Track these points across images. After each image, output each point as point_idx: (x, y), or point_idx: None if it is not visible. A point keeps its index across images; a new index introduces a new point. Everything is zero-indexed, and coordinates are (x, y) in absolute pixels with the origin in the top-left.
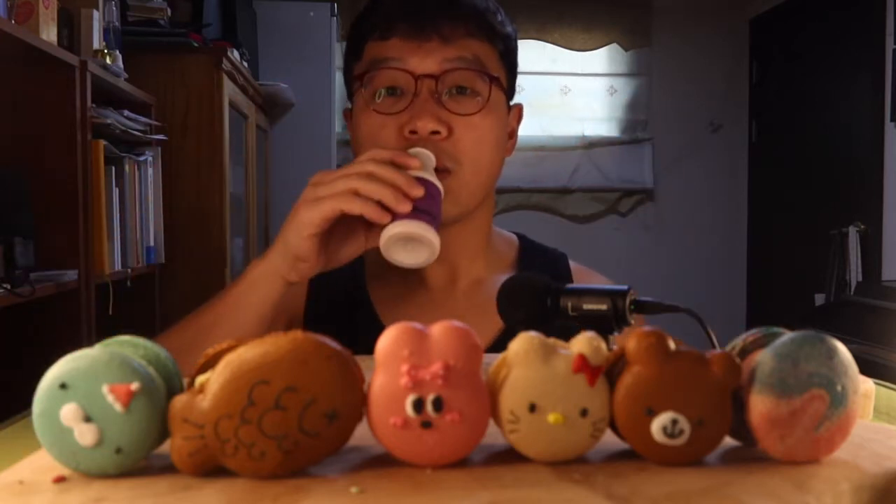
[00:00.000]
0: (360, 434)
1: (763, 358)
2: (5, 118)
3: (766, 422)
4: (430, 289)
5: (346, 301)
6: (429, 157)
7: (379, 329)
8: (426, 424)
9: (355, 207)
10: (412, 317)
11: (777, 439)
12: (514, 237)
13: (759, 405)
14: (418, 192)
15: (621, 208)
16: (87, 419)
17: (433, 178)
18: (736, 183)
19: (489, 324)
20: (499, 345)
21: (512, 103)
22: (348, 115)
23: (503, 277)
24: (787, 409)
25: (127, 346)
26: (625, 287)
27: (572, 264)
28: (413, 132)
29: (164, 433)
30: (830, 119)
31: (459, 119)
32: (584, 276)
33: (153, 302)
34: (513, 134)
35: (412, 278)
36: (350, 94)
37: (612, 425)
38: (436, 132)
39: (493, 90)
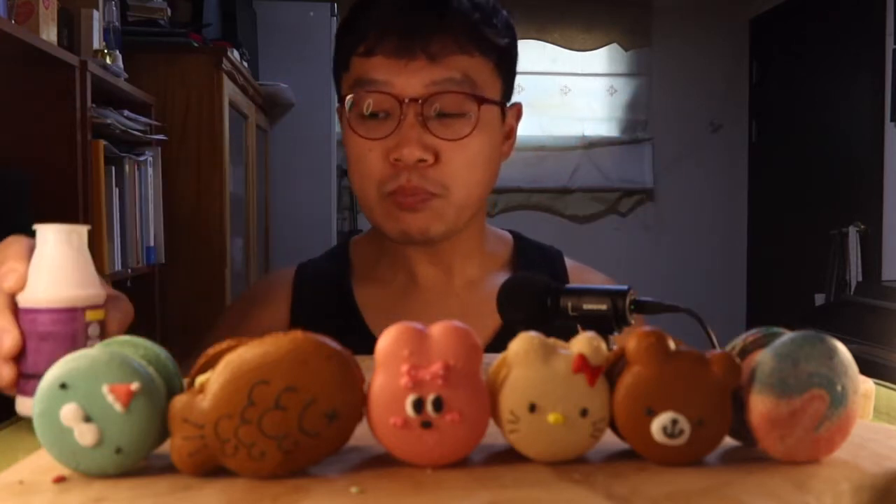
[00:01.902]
0: (360, 434)
1: (763, 358)
2: (5, 118)
3: (766, 422)
4: (423, 290)
5: (332, 307)
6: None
7: (366, 335)
8: (426, 424)
9: None
10: (400, 319)
11: (777, 439)
12: (509, 235)
13: (759, 405)
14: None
15: (621, 208)
16: (87, 419)
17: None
18: (736, 183)
19: (484, 324)
20: (494, 346)
21: (510, 102)
22: (342, 113)
23: (498, 277)
24: (787, 409)
25: (127, 346)
26: (625, 287)
27: (568, 262)
28: (398, 160)
29: (164, 433)
30: (830, 119)
31: (447, 144)
32: (580, 274)
33: (153, 302)
34: (511, 133)
35: (404, 281)
36: (340, 98)
37: (612, 425)
38: (422, 160)
39: (483, 109)
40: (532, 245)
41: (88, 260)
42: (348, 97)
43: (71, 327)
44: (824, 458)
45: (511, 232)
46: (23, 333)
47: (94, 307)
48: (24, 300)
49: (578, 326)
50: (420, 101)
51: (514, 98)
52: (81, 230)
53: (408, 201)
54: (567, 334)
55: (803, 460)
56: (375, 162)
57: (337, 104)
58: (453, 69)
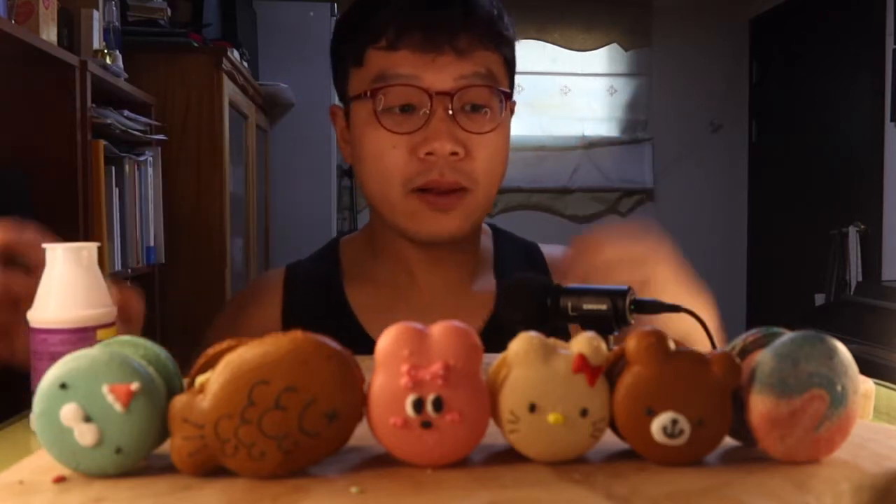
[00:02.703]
0: (360, 434)
1: (763, 358)
2: (5, 118)
3: (766, 422)
4: (421, 291)
5: (325, 310)
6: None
7: (362, 337)
8: (426, 424)
9: None
10: (398, 320)
11: (777, 439)
12: (488, 227)
13: (760, 405)
14: None
15: (621, 208)
16: (87, 419)
17: None
18: (736, 183)
19: (471, 321)
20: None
21: None
22: (338, 114)
23: (484, 273)
24: (787, 409)
25: (127, 346)
26: (625, 287)
27: (544, 249)
28: (429, 153)
29: (164, 433)
30: (830, 119)
31: (475, 137)
32: (559, 258)
33: (153, 302)
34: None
35: (401, 281)
36: (342, 95)
37: (612, 425)
38: (454, 153)
39: (505, 105)
40: (508, 236)
41: (99, 277)
42: (369, 91)
43: (83, 347)
44: (824, 458)
45: (488, 224)
46: (34, 353)
47: (105, 326)
48: (35, 320)
49: (571, 327)
50: (450, 95)
51: (514, 97)
52: (91, 248)
53: (441, 201)
54: (560, 335)
55: (803, 460)
56: (400, 157)
57: (335, 103)
58: (479, 64)
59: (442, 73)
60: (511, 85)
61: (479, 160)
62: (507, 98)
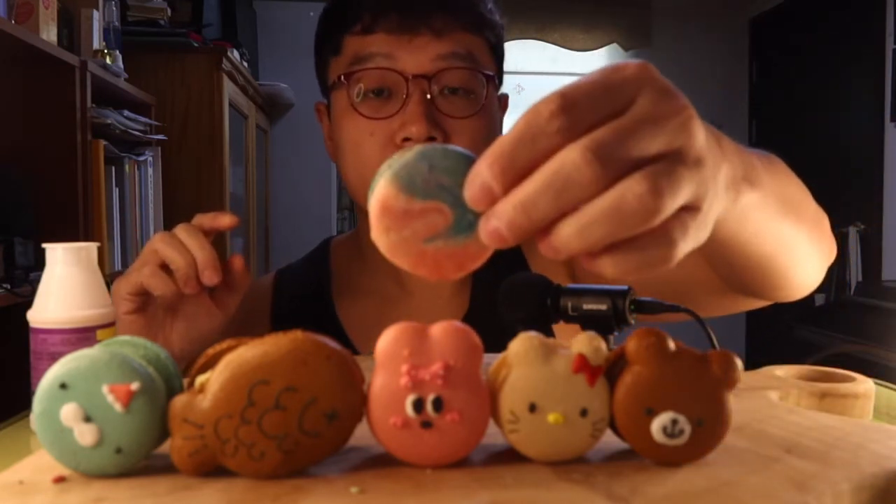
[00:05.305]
0: (360, 434)
1: (408, 154)
2: (5, 118)
3: (380, 208)
4: (410, 296)
5: (313, 325)
6: None
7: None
8: (426, 424)
9: (157, 286)
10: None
11: (382, 230)
12: None
13: (382, 191)
14: (212, 278)
15: None
16: (87, 419)
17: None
18: None
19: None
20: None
21: (498, 94)
22: (323, 110)
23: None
24: (403, 206)
25: (127, 346)
26: (625, 287)
27: None
28: (407, 139)
29: (164, 433)
30: (830, 119)
31: (455, 122)
32: None
33: None
34: (500, 127)
35: (389, 288)
36: (325, 90)
37: (612, 425)
38: (432, 138)
39: (488, 89)
40: None
41: (99, 278)
42: (343, 76)
43: (82, 347)
44: (430, 275)
45: None
46: (34, 353)
47: (105, 326)
48: (35, 320)
49: (554, 326)
50: (427, 78)
51: (515, 98)
52: (91, 248)
53: None
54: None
55: (402, 264)
56: (377, 145)
57: (320, 101)
58: (458, 45)
59: (418, 55)
60: (499, 71)
61: (459, 145)
62: (491, 81)
